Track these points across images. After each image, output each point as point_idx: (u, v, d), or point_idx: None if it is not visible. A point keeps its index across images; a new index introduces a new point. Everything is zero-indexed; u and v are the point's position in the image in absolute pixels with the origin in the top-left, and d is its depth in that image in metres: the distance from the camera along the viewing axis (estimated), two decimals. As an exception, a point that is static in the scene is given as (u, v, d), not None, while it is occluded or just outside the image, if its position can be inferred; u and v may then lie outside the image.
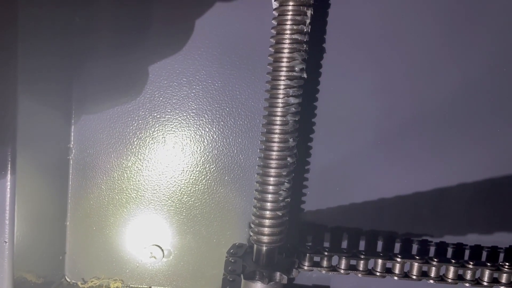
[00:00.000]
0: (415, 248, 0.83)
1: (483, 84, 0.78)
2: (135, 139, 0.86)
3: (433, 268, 0.75)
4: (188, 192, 0.87)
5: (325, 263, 0.76)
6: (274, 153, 0.70)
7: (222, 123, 0.84)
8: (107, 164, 0.87)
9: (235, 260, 0.76)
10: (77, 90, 0.85)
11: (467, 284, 0.75)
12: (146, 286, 0.92)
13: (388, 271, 0.76)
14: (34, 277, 0.81)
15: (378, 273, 0.75)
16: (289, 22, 0.67)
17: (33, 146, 0.75)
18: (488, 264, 0.75)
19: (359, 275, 0.76)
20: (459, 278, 0.75)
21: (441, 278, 0.75)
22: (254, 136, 0.84)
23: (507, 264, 0.74)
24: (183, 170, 0.86)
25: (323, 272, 0.76)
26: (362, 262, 0.75)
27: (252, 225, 0.74)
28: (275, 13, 0.68)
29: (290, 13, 0.66)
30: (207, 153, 0.86)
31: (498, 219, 0.82)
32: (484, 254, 0.83)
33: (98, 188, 0.88)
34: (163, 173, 0.87)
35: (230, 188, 0.86)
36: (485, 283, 0.75)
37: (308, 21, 0.67)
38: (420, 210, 0.83)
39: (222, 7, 0.80)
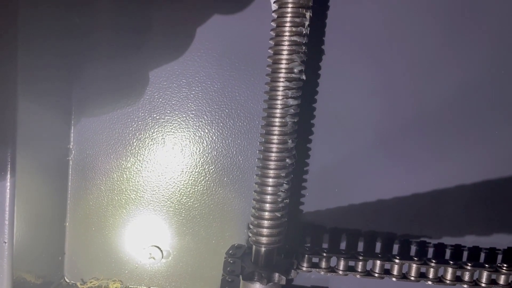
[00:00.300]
0: (413, 249, 0.84)
1: (483, 84, 0.78)
2: (134, 140, 0.86)
3: (432, 269, 0.75)
4: (187, 193, 0.87)
5: (323, 264, 0.76)
6: (273, 154, 0.70)
7: (221, 124, 0.85)
8: (106, 165, 0.87)
9: (234, 261, 0.76)
10: (77, 91, 0.85)
11: (465, 286, 0.75)
12: (145, 287, 0.92)
13: (387, 272, 0.76)
14: (33, 278, 0.81)
15: (376, 274, 0.76)
16: (288, 24, 0.67)
17: (32, 147, 0.75)
18: (486, 265, 0.75)
19: (358, 276, 0.76)
20: (457, 279, 0.75)
21: (439, 280, 0.75)
22: (253, 138, 0.84)
23: (505, 265, 0.74)
24: (182, 171, 0.87)
25: (322, 273, 0.76)
26: (360, 263, 0.75)
27: (251, 226, 0.74)
28: (274, 15, 0.69)
29: (289, 15, 0.66)
30: (206, 154, 0.86)
31: (496, 220, 0.82)
32: (482, 255, 0.83)
33: (98, 189, 0.88)
34: (162, 174, 0.87)
35: (229, 189, 0.86)
36: (483, 285, 0.75)
37: (307, 23, 0.67)
38: (419, 211, 0.83)
39: (221, 9, 0.81)
